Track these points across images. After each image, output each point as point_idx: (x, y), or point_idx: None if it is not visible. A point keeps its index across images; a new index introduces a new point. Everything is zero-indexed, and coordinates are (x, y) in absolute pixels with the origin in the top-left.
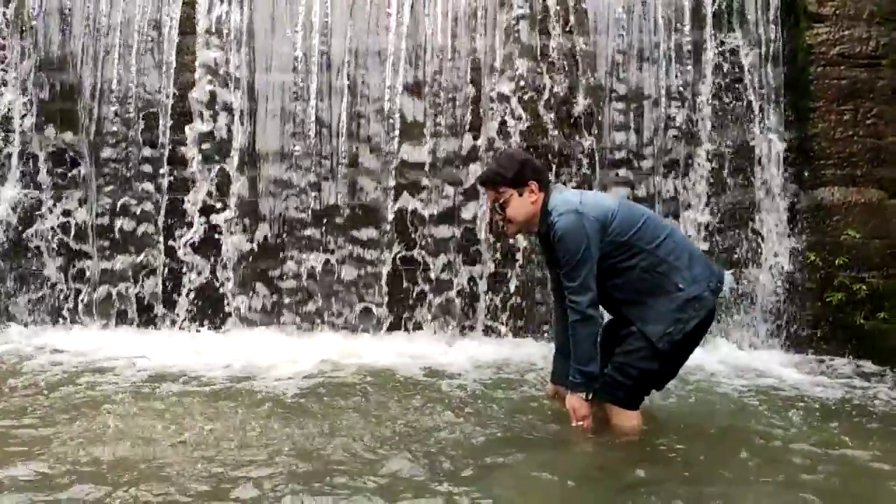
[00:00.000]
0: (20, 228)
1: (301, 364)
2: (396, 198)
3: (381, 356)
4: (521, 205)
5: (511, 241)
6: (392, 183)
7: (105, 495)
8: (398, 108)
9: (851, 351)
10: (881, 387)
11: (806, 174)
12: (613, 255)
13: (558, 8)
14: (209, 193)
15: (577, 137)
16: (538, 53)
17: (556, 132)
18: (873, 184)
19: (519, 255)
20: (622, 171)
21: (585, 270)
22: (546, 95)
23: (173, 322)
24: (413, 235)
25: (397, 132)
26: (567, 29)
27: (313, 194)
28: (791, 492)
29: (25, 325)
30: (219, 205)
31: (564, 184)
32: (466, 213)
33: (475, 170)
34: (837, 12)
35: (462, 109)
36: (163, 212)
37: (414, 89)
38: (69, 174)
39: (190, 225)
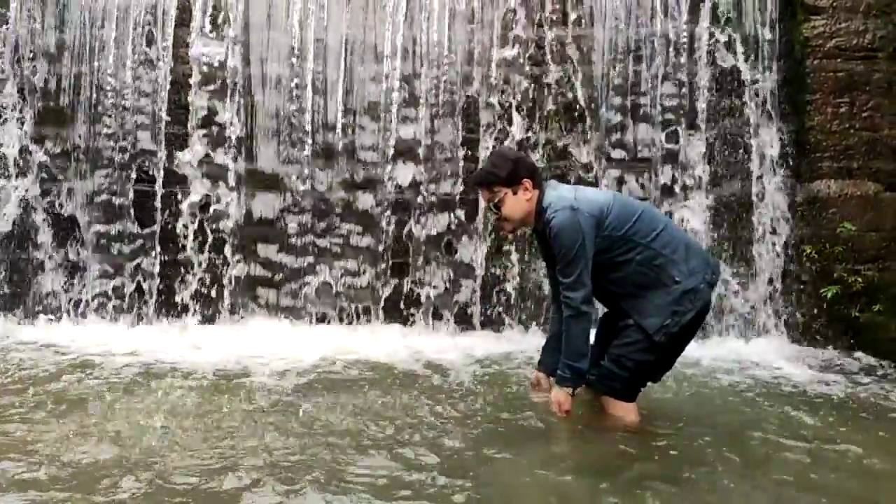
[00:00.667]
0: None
1: (299, 360)
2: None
3: (379, 351)
4: (516, 203)
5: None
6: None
7: (95, 491)
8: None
9: (847, 343)
10: (878, 380)
11: (802, 167)
12: (610, 249)
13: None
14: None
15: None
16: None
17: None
18: (869, 176)
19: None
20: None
21: (580, 266)
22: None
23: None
24: None
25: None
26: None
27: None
28: (789, 488)
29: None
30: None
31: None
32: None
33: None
34: (834, 5)
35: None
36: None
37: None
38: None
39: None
